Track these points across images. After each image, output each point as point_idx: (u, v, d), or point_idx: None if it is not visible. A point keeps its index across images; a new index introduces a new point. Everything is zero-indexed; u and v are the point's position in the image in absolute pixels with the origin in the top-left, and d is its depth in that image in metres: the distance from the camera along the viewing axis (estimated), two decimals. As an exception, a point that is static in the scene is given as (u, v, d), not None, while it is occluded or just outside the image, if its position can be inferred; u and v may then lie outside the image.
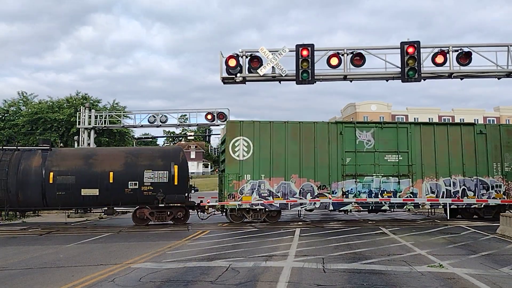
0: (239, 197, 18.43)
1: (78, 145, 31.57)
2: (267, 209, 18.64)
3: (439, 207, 19.95)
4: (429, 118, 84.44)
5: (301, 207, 18.87)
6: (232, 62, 16.70)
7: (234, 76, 17.02)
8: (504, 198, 19.47)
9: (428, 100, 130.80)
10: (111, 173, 18.26)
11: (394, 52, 16.69)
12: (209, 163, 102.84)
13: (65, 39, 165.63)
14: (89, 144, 30.09)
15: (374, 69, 17.45)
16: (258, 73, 16.76)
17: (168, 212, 18.64)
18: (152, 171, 18.47)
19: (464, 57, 16.49)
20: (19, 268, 9.68)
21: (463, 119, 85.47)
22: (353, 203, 18.74)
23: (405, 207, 19.54)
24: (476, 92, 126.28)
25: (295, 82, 16.65)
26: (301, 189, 18.69)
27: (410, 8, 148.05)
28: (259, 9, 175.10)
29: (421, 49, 16.27)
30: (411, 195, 19.03)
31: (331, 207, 18.81)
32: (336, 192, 18.78)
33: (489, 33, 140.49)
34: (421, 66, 16.35)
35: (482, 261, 9.72)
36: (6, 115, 38.85)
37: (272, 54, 16.60)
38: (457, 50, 16.57)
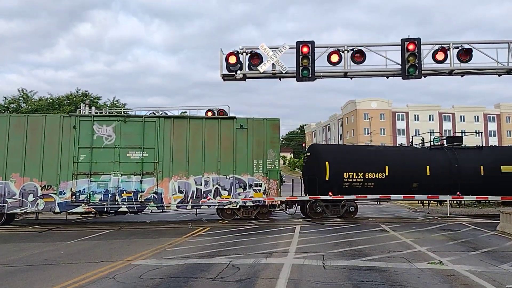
0: None
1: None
2: None
3: (187, 208, 18.74)
4: (430, 115, 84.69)
5: (21, 210, 17.47)
6: (232, 59, 16.65)
7: (234, 73, 16.98)
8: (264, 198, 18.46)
9: (428, 97, 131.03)
10: None
11: (394, 49, 16.64)
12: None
13: (64, 36, 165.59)
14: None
15: (375, 66, 17.38)
16: (258, 70, 16.71)
17: None
18: None
19: (465, 54, 16.43)
20: (20, 265, 9.70)
21: (463, 116, 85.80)
22: (83, 205, 17.57)
23: (146, 208, 18.13)
24: (476, 89, 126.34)
25: (295, 79, 16.64)
26: (22, 190, 17.32)
27: (409, 5, 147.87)
28: (258, 6, 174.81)
29: (421, 46, 16.25)
30: (155, 195, 17.96)
31: (57, 209, 17.54)
32: (64, 193, 17.49)
33: (488, 30, 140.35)
34: (422, 63, 16.32)
35: (482, 258, 9.74)
36: (6, 112, 38.89)
37: (272, 51, 16.56)
38: (457, 47, 16.52)
